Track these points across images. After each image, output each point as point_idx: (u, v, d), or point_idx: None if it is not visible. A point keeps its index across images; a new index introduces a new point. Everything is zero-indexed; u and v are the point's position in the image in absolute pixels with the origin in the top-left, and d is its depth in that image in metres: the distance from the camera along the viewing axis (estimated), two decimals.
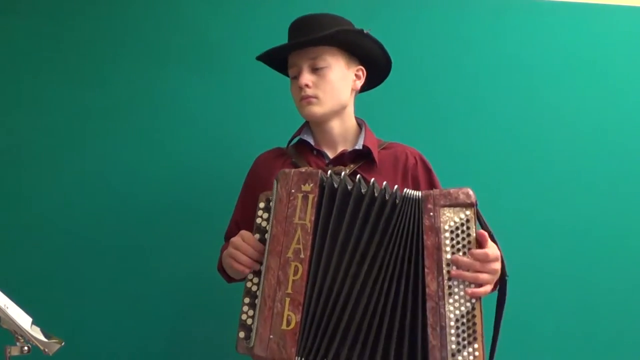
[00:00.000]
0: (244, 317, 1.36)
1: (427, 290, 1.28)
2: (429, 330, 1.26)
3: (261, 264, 1.37)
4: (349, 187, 1.35)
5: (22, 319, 1.18)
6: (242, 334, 1.35)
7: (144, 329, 1.94)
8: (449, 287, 1.28)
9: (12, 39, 1.96)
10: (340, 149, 1.58)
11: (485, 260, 1.28)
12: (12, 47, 1.96)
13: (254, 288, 1.37)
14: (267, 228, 1.37)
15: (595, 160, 2.01)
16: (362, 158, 1.55)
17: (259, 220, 1.39)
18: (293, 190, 1.35)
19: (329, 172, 1.38)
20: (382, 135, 1.65)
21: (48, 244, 1.93)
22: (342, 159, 1.54)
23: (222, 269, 1.61)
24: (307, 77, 1.52)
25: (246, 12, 2.00)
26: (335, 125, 1.58)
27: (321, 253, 1.33)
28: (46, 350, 1.19)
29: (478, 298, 1.28)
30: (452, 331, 1.26)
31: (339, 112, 1.57)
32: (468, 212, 1.30)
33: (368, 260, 1.31)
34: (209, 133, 1.98)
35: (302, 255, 1.32)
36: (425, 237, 1.30)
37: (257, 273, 1.38)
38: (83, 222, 1.94)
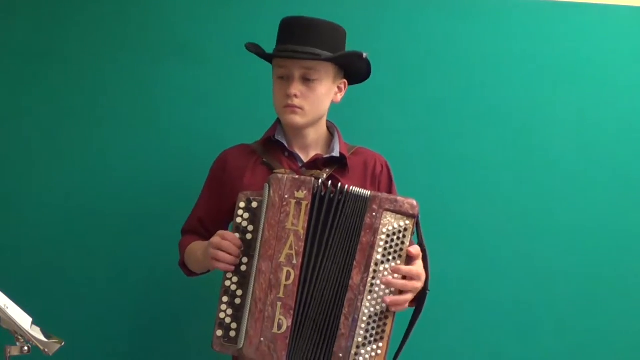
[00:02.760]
0: (222, 315, 1.39)
1: (350, 282, 1.35)
2: (342, 318, 1.35)
3: (242, 263, 1.40)
4: (331, 195, 1.40)
5: (22, 319, 1.19)
6: (219, 332, 1.38)
7: (144, 329, 1.94)
8: (372, 285, 1.36)
9: (11, 37, 1.96)
10: (311, 153, 1.61)
11: (412, 277, 1.37)
12: (12, 45, 1.95)
13: (233, 287, 1.39)
14: (249, 229, 1.40)
15: (595, 160, 2.00)
16: (334, 163, 1.58)
17: (239, 220, 1.41)
18: (286, 196, 1.38)
19: (320, 180, 1.42)
20: (374, 137, 1.69)
21: (48, 243, 1.93)
22: (316, 164, 1.57)
23: (183, 264, 1.64)
24: (297, 87, 1.52)
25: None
26: (311, 132, 1.61)
27: (311, 260, 1.38)
28: (46, 350, 1.19)
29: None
30: (363, 325, 1.35)
31: (316, 121, 1.60)
32: (408, 222, 1.37)
33: (337, 259, 1.38)
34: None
35: (294, 262, 1.37)
36: (362, 233, 1.36)
37: (237, 272, 1.40)
38: (83, 222, 1.94)
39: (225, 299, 1.39)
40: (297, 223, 1.37)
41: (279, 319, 1.35)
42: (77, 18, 1.96)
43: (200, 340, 1.96)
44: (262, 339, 1.35)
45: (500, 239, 1.98)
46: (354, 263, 1.36)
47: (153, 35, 1.97)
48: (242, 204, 1.41)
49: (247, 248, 1.39)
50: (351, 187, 1.40)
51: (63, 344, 1.22)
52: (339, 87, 1.61)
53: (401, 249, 1.36)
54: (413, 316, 1.47)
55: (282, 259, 1.37)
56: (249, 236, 1.39)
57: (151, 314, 1.95)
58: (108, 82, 1.96)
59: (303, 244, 1.37)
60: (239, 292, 1.38)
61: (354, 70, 1.60)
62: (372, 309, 1.35)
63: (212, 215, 1.60)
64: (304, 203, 1.37)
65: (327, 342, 1.36)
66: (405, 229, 1.36)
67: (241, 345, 1.35)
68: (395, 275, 1.37)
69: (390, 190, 1.62)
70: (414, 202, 1.37)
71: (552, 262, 1.98)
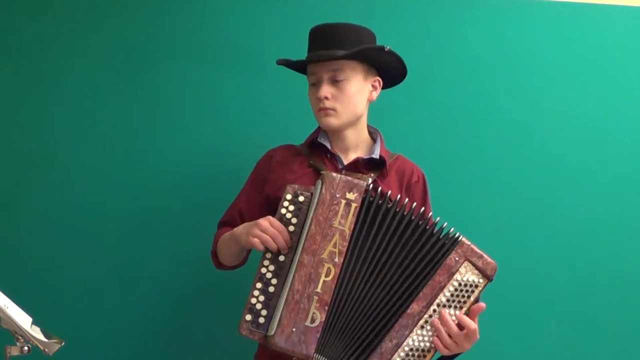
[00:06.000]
0: (253, 300, 1.40)
1: (408, 309, 1.39)
2: (387, 338, 1.39)
3: (281, 253, 1.41)
4: (389, 206, 1.42)
5: (22, 319, 1.19)
6: (248, 317, 1.39)
7: (144, 328, 1.94)
8: (425, 321, 1.39)
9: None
10: (351, 155, 1.63)
11: (468, 328, 1.38)
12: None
13: (269, 275, 1.41)
14: (292, 221, 1.42)
15: (595, 160, 2.01)
16: (374, 166, 1.61)
17: (283, 211, 1.43)
18: (337, 195, 1.40)
19: (369, 184, 1.45)
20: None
21: (48, 243, 1.93)
22: (357, 166, 1.60)
23: (215, 254, 1.65)
24: (326, 89, 1.56)
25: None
26: (350, 134, 1.64)
27: (351, 261, 1.40)
28: (46, 350, 1.19)
29: (434, 348, 1.40)
30: (402, 353, 1.38)
31: (354, 122, 1.62)
32: (482, 280, 1.41)
33: (390, 271, 1.41)
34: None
35: (336, 260, 1.39)
36: (439, 271, 1.40)
37: (274, 261, 1.42)
38: (83, 222, 1.94)
39: (259, 285, 1.40)
40: (344, 223, 1.40)
41: (313, 313, 1.37)
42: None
43: (200, 340, 1.96)
44: (294, 329, 1.36)
45: (500, 240, 1.98)
46: (420, 294, 1.39)
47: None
48: (288, 196, 1.43)
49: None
50: (438, 219, 1.43)
51: (63, 344, 1.22)
52: (373, 86, 1.63)
53: (465, 302, 1.39)
54: None
55: (325, 255, 1.39)
56: (291, 228, 1.42)
57: (151, 315, 1.95)
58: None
59: (347, 244, 1.39)
60: (274, 281, 1.40)
61: (384, 66, 1.62)
62: (416, 343, 1.38)
63: (252, 208, 1.62)
64: (354, 205, 1.40)
65: (360, 350, 1.39)
66: (476, 285, 1.40)
67: (272, 332, 1.37)
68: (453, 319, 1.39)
69: (424, 203, 1.64)
70: (496, 267, 1.41)
71: (553, 262, 1.99)
